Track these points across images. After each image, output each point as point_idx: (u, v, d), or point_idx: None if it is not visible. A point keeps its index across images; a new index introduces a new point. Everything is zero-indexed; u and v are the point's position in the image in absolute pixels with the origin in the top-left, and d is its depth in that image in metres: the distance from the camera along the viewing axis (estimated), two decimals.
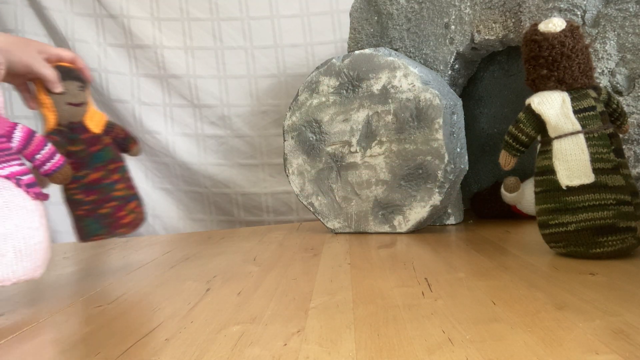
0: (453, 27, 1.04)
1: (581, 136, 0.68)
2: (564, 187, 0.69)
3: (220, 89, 1.48)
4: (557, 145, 0.70)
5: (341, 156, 1.05)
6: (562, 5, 0.89)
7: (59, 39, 1.45)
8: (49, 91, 0.80)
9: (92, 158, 0.82)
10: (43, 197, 0.70)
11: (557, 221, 0.70)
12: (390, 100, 1.00)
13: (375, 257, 0.83)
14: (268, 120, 1.49)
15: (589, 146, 0.68)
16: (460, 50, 1.04)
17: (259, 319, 0.57)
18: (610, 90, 0.86)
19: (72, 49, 1.43)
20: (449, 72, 1.07)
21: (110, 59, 1.46)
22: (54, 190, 1.62)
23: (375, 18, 1.13)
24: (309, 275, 0.75)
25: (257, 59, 1.48)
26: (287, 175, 1.11)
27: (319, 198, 1.08)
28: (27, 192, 0.68)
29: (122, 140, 0.88)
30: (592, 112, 0.69)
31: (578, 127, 0.68)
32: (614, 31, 0.85)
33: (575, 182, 0.68)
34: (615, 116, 0.72)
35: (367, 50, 1.02)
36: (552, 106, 0.70)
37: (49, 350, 0.53)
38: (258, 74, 1.48)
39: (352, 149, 1.04)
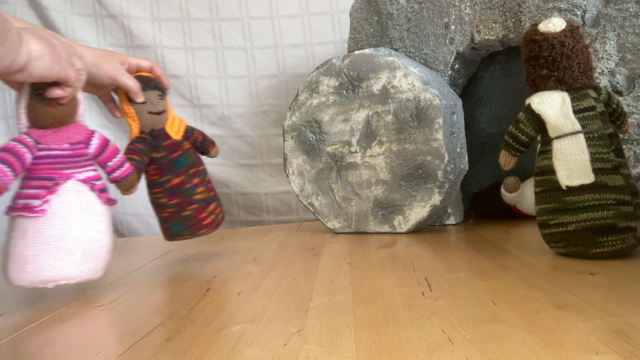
0: (453, 27, 1.04)
1: (581, 136, 0.68)
2: (564, 187, 0.69)
3: (220, 89, 1.48)
4: (557, 145, 0.70)
5: (341, 156, 1.05)
6: (562, 5, 0.89)
7: None
8: (130, 101, 0.84)
9: (174, 164, 0.87)
10: (112, 202, 0.75)
11: (557, 221, 0.70)
12: (390, 100, 1.00)
13: (375, 257, 0.83)
14: (268, 120, 1.49)
15: (589, 146, 0.68)
16: (460, 50, 1.04)
17: (259, 319, 0.57)
18: (610, 90, 0.86)
19: None
20: (449, 72, 1.07)
21: None
22: None
23: (375, 18, 1.13)
24: (309, 275, 0.75)
25: (257, 59, 1.48)
26: (287, 175, 1.11)
27: (319, 198, 1.08)
28: (99, 197, 0.73)
29: (200, 143, 0.93)
30: (592, 112, 0.69)
31: (578, 127, 0.68)
32: (614, 31, 0.85)
33: (575, 182, 0.68)
34: (615, 116, 0.72)
35: (367, 50, 1.02)
36: (552, 106, 0.70)
37: (49, 350, 0.53)
38: (258, 74, 1.48)
39: (352, 149, 1.04)
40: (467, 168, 1.02)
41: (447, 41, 1.05)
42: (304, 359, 0.45)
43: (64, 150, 0.70)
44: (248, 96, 1.49)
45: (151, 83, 0.86)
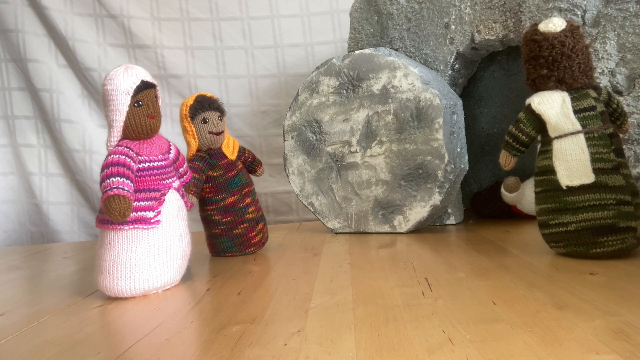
0: (453, 27, 1.04)
1: (581, 136, 0.68)
2: (564, 187, 0.69)
3: (220, 89, 1.48)
4: (557, 145, 0.70)
5: (341, 156, 1.05)
6: (562, 5, 0.89)
7: (59, 39, 1.44)
8: (192, 118, 0.88)
9: (229, 183, 0.92)
10: (192, 206, 0.81)
11: (557, 221, 0.70)
12: (390, 100, 1.00)
13: (375, 257, 0.83)
14: (268, 120, 1.49)
15: (589, 146, 0.68)
16: (461, 50, 1.04)
17: (259, 319, 0.57)
18: (610, 90, 0.86)
19: (72, 49, 1.43)
20: (449, 72, 1.07)
21: (110, 58, 1.46)
22: (53, 191, 1.61)
23: (375, 18, 1.13)
24: (309, 275, 0.75)
25: (257, 59, 1.48)
26: (287, 175, 1.11)
27: (319, 198, 1.08)
28: (186, 203, 0.77)
29: (250, 163, 0.99)
30: (592, 112, 0.69)
31: (578, 127, 0.68)
32: (614, 31, 0.85)
33: (576, 182, 0.68)
34: (615, 116, 0.72)
35: (367, 50, 1.02)
36: (552, 106, 0.70)
37: (49, 350, 0.53)
38: (258, 74, 1.48)
39: (352, 149, 1.04)
40: (467, 168, 1.02)
41: (447, 41, 1.05)
42: (304, 359, 0.45)
43: (160, 160, 0.73)
44: (248, 96, 1.49)
45: (213, 104, 0.90)
